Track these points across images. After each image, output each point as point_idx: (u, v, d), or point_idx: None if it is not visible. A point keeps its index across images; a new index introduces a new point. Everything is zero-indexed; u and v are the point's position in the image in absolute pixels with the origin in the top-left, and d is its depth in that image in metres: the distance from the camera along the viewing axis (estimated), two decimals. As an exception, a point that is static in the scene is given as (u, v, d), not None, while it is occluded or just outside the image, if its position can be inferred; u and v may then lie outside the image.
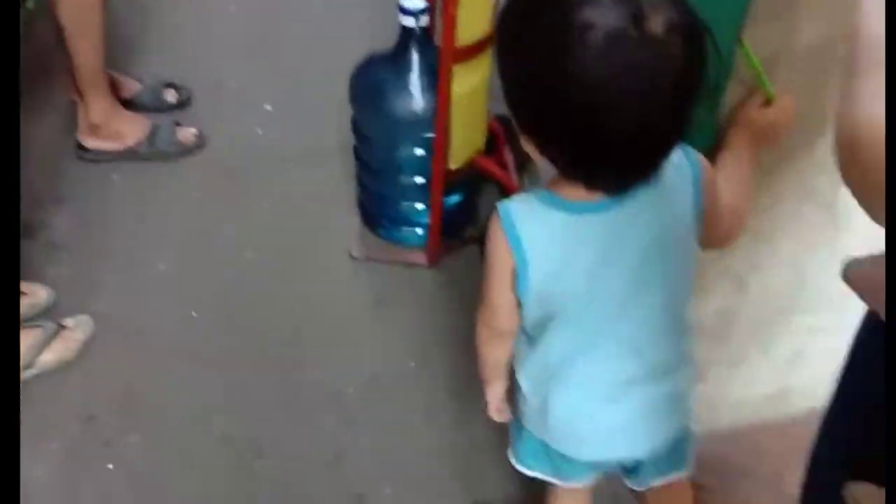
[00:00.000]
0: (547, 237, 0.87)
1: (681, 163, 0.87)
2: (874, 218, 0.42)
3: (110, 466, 1.46)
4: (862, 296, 0.58)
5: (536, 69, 0.75)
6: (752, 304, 1.26)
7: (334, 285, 1.80)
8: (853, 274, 0.59)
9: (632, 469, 1.10)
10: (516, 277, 0.89)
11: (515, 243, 0.87)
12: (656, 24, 0.70)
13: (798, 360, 1.36)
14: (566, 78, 0.72)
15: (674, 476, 1.10)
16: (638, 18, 0.70)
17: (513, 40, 0.79)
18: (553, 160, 0.82)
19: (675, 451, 1.06)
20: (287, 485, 1.44)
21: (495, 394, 1.11)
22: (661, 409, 1.00)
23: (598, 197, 0.84)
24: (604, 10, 0.70)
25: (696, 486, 1.41)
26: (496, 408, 1.13)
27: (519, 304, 0.93)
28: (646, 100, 0.72)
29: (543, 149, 0.81)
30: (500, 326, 0.99)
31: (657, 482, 1.10)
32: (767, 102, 0.99)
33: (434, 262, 1.81)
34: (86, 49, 1.87)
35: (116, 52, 2.07)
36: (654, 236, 0.87)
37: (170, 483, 1.44)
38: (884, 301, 0.56)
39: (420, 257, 1.82)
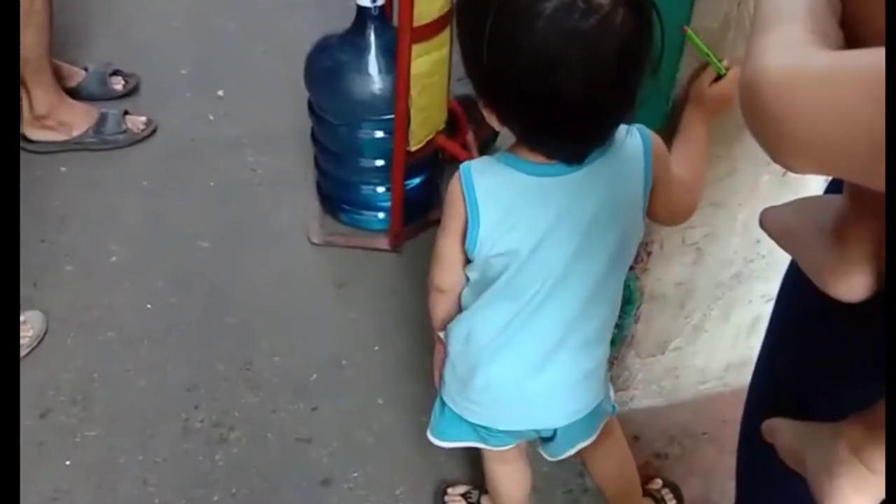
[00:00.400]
0: (501, 193, 0.90)
1: (633, 136, 0.91)
2: (778, 160, 0.46)
3: (68, 462, 1.42)
4: (774, 238, 0.62)
5: (491, 38, 0.77)
6: (709, 274, 1.29)
7: (295, 271, 1.78)
8: (768, 220, 0.62)
9: (547, 438, 1.12)
10: (466, 230, 0.91)
11: (470, 197, 0.90)
12: None
13: (756, 328, 1.39)
14: (518, 46, 0.76)
15: (583, 444, 1.13)
16: None
17: (470, 11, 0.81)
18: (512, 128, 0.86)
19: (588, 420, 1.09)
20: (252, 471, 1.42)
21: (438, 354, 1.13)
22: (580, 381, 1.03)
23: (555, 162, 0.87)
24: None
25: (660, 456, 1.44)
26: (438, 366, 1.13)
27: (467, 261, 0.96)
28: (593, 68, 0.76)
29: (502, 117, 0.85)
30: (439, 281, 1.01)
31: (569, 452, 1.13)
32: (719, 77, 1.01)
33: (396, 245, 1.80)
34: (29, 38, 1.81)
35: (59, 39, 2.00)
36: (604, 205, 0.90)
37: (131, 475, 1.40)
38: (792, 245, 0.59)
39: (382, 242, 1.81)
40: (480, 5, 0.78)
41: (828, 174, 0.47)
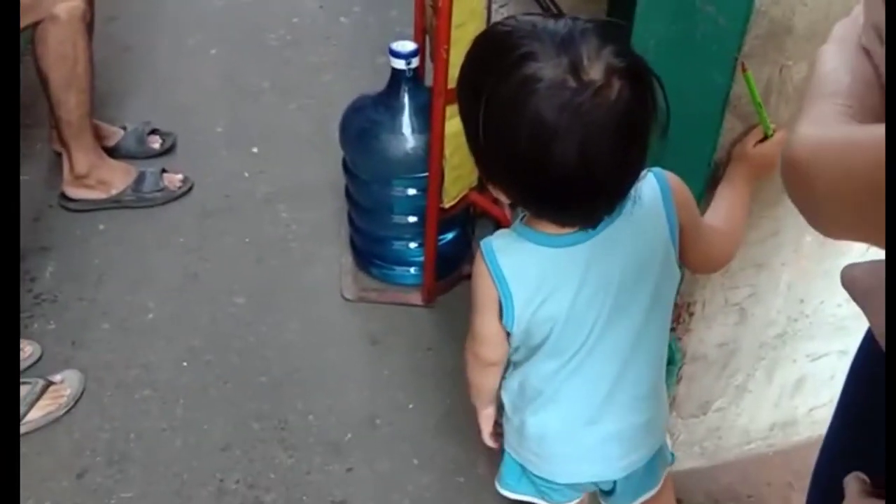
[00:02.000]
0: (527, 269, 0.90)
1: (651, 186, 0.91)
2: (813, 227, 0.50)
3: (104, 524, 1.42)
4: (852, 297, 0.62)
5: (487, 118, 0.79)
6: (753, 334, 1.27)
7: (328, 327, 1.78)
8: (845, 278, 0.62)
9: (608, 491, 1.10)
10: (501, 309, 0.92)
11: (498, 277, 0.90)
12: (595, 70, 0.75)
13: (801, 388, 1.36)
14: (513, 125, 0.77)
15: (648, 495, 1.11)
16: (576, 67, 0.75)
17: (468, 94, 0.82)
18: (517, 202, 0.88)
19: (649, 470, 1.08)
20: (289, 536, 1.41)
21: (487, 418, 1.14)
22: (636, 433, 1.02)
23: (571, 229, 0.88)
24: (545, 63, 0.75)
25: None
26: (489, 433, 1.15)
27: (507, 335, 0.96)
28: (589, 142, 0.76)
29: (507, 193, 0.86)
30: (487, 357, 1.02)
31: (633, 503, 1.11)
32: (764, 138, 1.00)
33: (429, 300, 1.80)
34: (72, 101, 1.86)
35: (98, 100, 2.05)
36: (630, 262, 0.90)
37: (167, 539, 1.40)
38: (865, 304, 0.59)
39: (415, 297, 1.81)
40: (476, 86, 0.79)
41: (855, 239, 0.50)
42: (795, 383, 1.36)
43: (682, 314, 1.19)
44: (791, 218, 1.12)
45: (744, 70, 0.94)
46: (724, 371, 1.30)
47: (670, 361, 1.24)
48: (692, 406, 1.34)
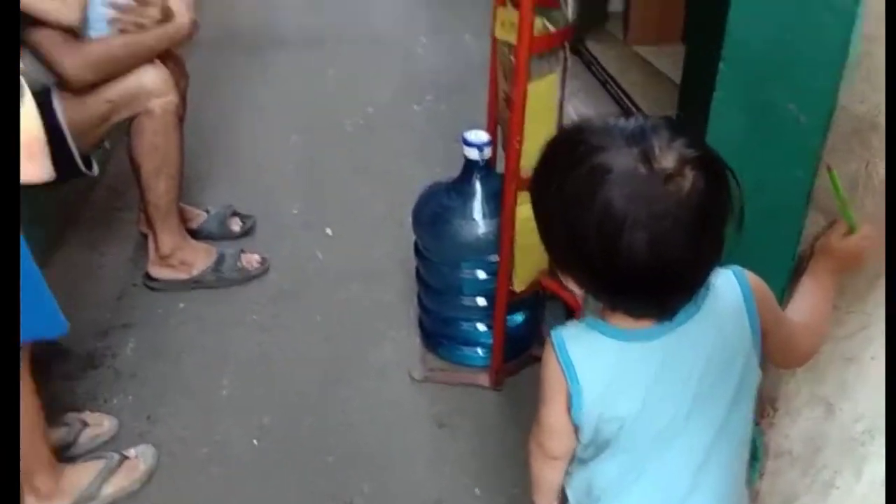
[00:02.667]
0: (598, 363, 0.89)
1: (732, 287, 0.89)
2: None
3: None
4: None
5: (559, 214, 0.80)
6: (841, 429, 1.21)
7: (395, 407, 1.78)
8: None
9: None
10: (570, 402, 0.90)
11: (568, 369, 0.89)
12: (667, 160, 0.75)
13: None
14: (584, 218, 0.77)
15: None
16: (648, 156, 0.75)
17: (541, 186, 0.84)
18: (592, 294, 0.87)
19: None
20: None
21: None
22: None
23: (646, 323, 0.86)
24: (616, 152, 0.76)
25: None
26: None
27: (576, 429, 0.94)
28: (663, 231, 0.75)
29: (579, 282, 0.85)
30: (551, 449, 0.99)
31: None
32: (849, 232, 0.99)
33: (497, 383, 1.79)
34: (161, 187, 1.96)
35: (184, 184, 2.16)
36: (707, 360, 0.88)
37: None
38: None
39: (482, 378, 1.81)
40: (547, 179, 0.81)
41: None
42: (885, 480, 1.29)
43: (766, 408, 1.16)
44: (880, 311, 1.09)
45: (829, 170, 0.94)
46: (809, 467, 1.24)
47: (754, 457, 1.20)
48: (776, 503, 1.28)
